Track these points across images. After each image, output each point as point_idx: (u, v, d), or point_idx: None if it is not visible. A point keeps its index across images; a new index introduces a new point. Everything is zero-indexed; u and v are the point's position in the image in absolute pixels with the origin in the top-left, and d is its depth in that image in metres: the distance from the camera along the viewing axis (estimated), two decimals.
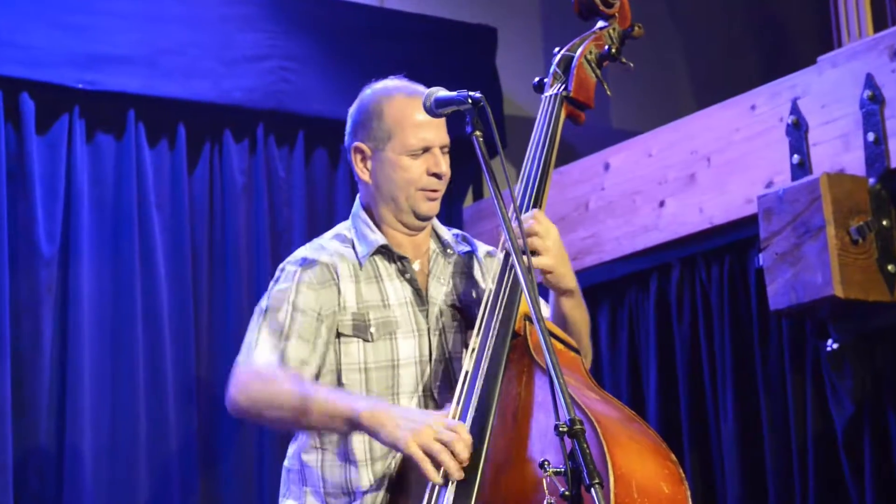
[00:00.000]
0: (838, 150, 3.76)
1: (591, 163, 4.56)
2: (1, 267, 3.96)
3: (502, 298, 2.79)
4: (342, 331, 2.90)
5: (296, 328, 2.87)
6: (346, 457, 2.88)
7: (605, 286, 4.50)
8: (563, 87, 3.01)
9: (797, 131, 3.85)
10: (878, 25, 4.23)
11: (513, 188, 2.57)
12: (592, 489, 2.15)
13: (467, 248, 3.10)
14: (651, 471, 2.53)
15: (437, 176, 2.96)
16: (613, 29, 3.08)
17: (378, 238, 2.96)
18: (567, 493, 2.19)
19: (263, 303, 2.93)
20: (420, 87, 2.97)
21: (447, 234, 3.08)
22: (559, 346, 2.82)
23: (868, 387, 3.70)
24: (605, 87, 3.01)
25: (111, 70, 4.19)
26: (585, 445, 2.19)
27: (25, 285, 4.03)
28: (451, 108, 2.84)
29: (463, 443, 2.59)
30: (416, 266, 2.99)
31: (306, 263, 2.93)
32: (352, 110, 3.06)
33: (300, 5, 4.61)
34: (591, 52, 3.04)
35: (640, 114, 5.21)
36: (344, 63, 4.57)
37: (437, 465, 2.58)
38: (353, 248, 2.97)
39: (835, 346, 3.70)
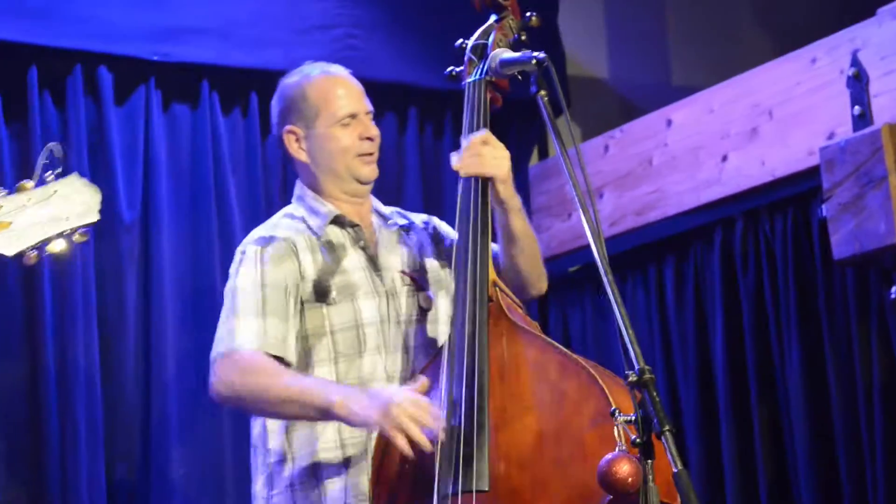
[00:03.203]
0: None
1: (654, 119, 4.55)
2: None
3: (471, 260, 2.87)
4: (305, 298, 2.98)
5: (270, 307, 2.94)
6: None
7: (670, 241, 4.50)
8: (483, 73, 3.05)
9: (858, 83, 3.83)
10: None
11: (579, 148, 2.59)
12: (663, 436, 2.17)
13: (405, 222, 3.18)
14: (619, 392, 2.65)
15: (369, 139, 3.07)
16: (512, 20, 3.14)
17: (332, 209, 3.05)
18: (639, 440, 2.21)
19: (231, 283, 3.01)
20: (334, 67, 3.16)
21: (385, 208, 3.19)
22: (521, 311, 2.93)
23: None
24: (518, 76, 3.04)
25: (185, 42, 4.23)
26: (655, 393, 2.21)
27: (109, 251, 4.08)
28: (516, 68, 2.90)
29: (429, 413, 2.69)
30: (365, 234, 3.07)
31: (265, 241, 3.02)
32: (274, 101, 3.19)
33: None
34: (501, 41, 3.08)
35: (702, 70, 5.18)
36: (407, 29, 4.60)
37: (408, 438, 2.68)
38: (305, 222, 3.05)
39: None
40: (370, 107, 3.15)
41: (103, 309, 4.05)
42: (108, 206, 4.04)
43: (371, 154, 3.08)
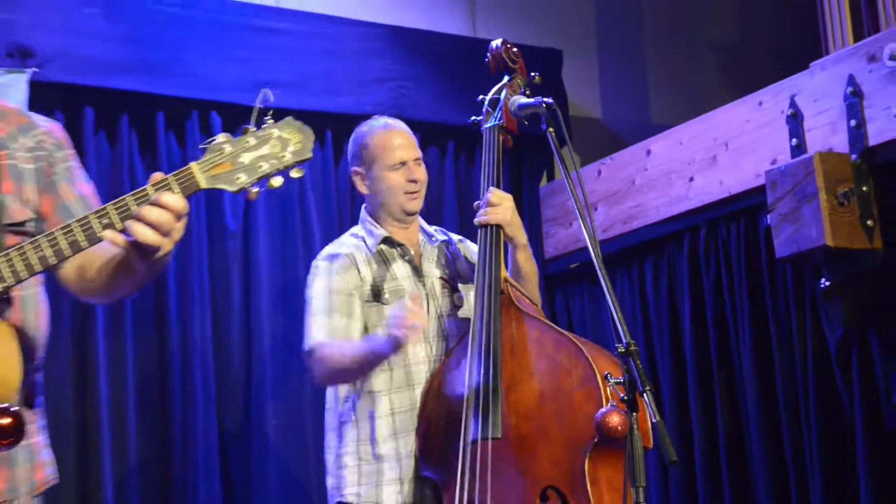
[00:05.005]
0: (827, 134, 3.72)
1: (636, 150, 4.54)
2: (200, 239, 4.03)
3: (487, 268, 2.90)
4: (365, 299, 3.00)
5: (335, 307, 2.97)
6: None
7: (649, 244, 4.48)
8: (497, 121, 3.09)
9: (795, 121, 3.81)
10: (857, 36, 4.16)
11: (579, 172, 2.60)
12: (644, 394, 2.18)
13: (445, 238, 3.20)
14: (602, 361, 2.73)
15: (414, 181, 3.07)
16: (520, 79, 3.16)
17: (382, 232, 3.07)
18: (626, 397, 2.22)
19: (308, 292, 3.03)
20: (393, 120, 3.15)
21: (430, 228, 3.20)
22: (527, 300, 2.97)
23: (854, 314, 3.66)
24: (524, 121, 3.07)
25: (275, 91, 4.22)
26: (638, 361, 2.22)
27: (218, 253, 4.11)
28: (530, 110, 2.90)
29: (411, 312, 2.71)
30: (411, 251, 3.08)
31: (332, 258, 3.04)
32: (349, 143, 3.18)
33: (413, 39, 4.61)
34: (511, 96, 3.11)
35: (674, 111, 5.18)
36: (446, 81, 4.59)
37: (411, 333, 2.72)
38: (364, 241, 3.07)
39: (827, 284, 3.66)
40: (419, 154, 3.13)
41: (215, 296, 4.07)
42: (217, 218, 4.11)
43: (415, 193, 3.09)
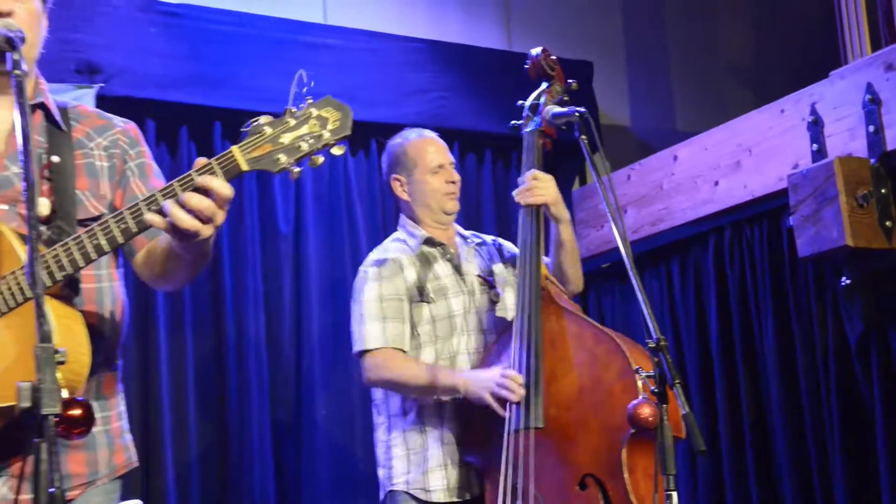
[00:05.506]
0: (847, 139, 3.70)
1: (664, 156, 4.54)
2: (254, 242, 4.08)
3: (529, 266, 2.90)
4: (412, 299, 3.00)
5: (388, 312, 2.97)
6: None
7: (676, 245, 4.48)
8: (537, 125, 3.09)
9: (816, 127, 3.80)
10: (875, 46, 4.13)
11: (610, 177, 2.60)
12: (674, 387, 2.18)
13: (479, 240, 3.21)
14: (637, 355, 2.74)
15: (453, 182, 3.11)
16: (558, 85, 3.16)
17: (423, 233, 3.09)
18: (657, 390, 2.22)
19: (359, 297, 3.02)
20: (425, 131, 3.18)
21: (465, 232, 3.22)
22: (567, 297, 2.97)
23: (873, 311, 3.64)
24: (563, 127, 3.05)
25: None
26: (668, 356, 2.22)
27: (271, 254, 4.14)
28: (564, 119, 2.91)
29: (516, 383, 2.74)
30: (451, 250, 3.10)
31: (380, 263, 3.04)
32: (383, 157, 3.21)
33: (452, 52, 4.63)
34: (549, 101, 3.11)
35: (699, 118, 5.17)
36: (483, 92, 4.60)
37: (503, 402, 2.75)
38: (406, 244, 3.08)
39: (848, 282, 3.65)
40: (452, 158, 3.18)
41: (268, 295, 4.11)
42: (270, 222, 4.14)
43: (454, 193, 3.12)
